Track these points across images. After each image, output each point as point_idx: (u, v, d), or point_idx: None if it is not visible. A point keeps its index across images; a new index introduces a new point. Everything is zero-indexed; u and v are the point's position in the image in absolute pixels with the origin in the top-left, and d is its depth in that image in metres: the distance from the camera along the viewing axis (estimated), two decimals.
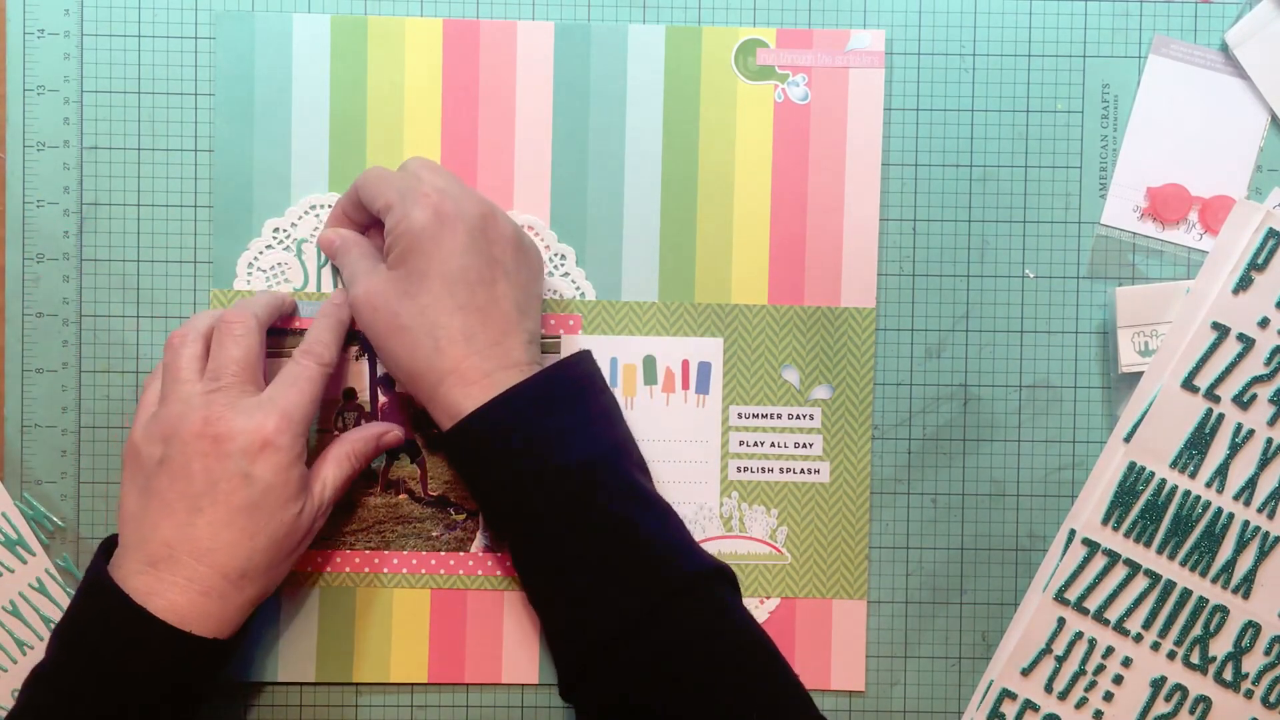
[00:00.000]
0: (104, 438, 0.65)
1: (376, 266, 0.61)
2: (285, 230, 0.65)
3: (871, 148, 0.65)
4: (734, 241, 0.65)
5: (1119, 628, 0.64)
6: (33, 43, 0.65)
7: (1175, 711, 0.64)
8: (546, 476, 0.57)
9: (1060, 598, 0.64)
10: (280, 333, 0.64)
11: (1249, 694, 0.64)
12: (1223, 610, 0.64)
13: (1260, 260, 0.63)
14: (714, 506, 0.66)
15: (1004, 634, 0.65)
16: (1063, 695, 0.64)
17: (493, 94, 0.65)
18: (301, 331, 0.64)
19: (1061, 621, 0.64)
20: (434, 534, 0.65)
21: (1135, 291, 0.65)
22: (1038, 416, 0.66)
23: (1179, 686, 0.64)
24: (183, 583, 0.56)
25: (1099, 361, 0.66)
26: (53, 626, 0.64)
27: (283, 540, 0.58)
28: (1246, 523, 0.63)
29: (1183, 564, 0.64)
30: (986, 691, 0.65)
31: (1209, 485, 0.64)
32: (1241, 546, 0.64)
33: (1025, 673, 0.64)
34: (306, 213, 0.65)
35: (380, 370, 0.65)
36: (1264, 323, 0.63)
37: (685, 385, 0.66)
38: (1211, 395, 0.64)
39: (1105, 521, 0.64)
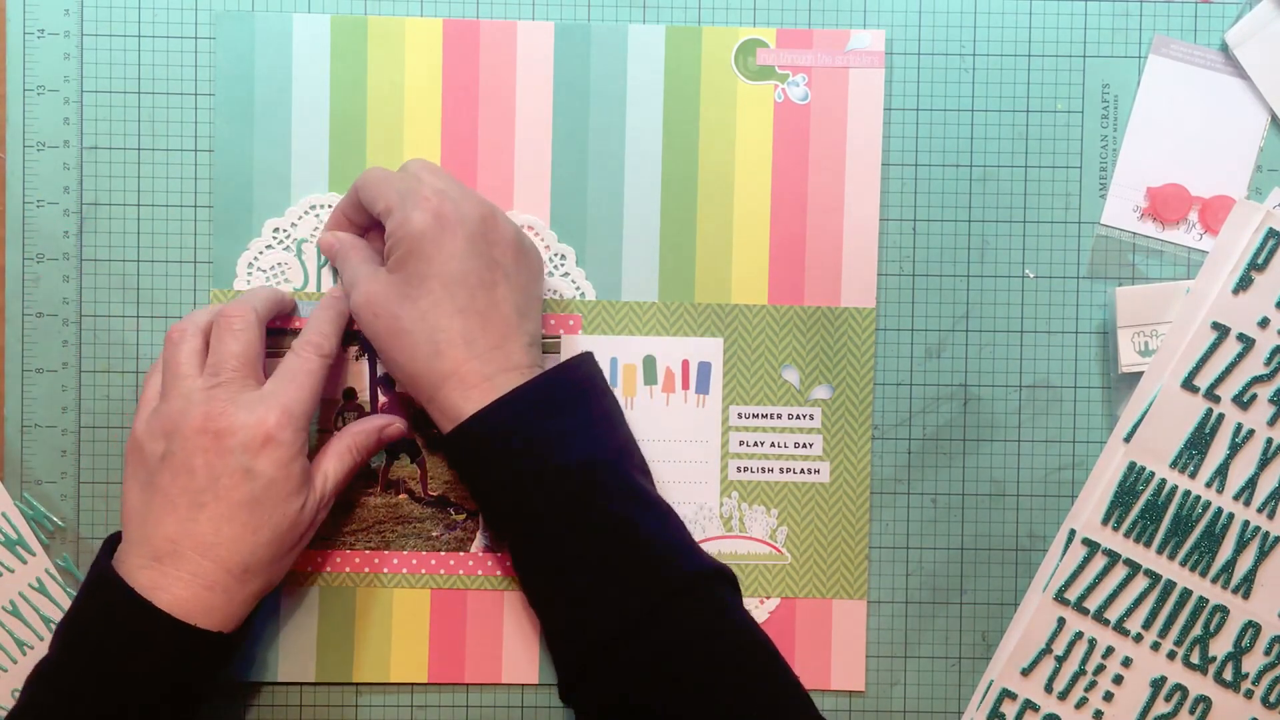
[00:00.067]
0: (104, 438, 0.65)
1: (376, 270, 0.61)
2: (285, 230, 0.65)
3: (871, 148, 0.65)
4: (734, 241, 0.65)
5: (1119, 628, 0.64)
6: (33, 43, 0.65)
7: (1175, 711, 0.64)
8: (546, 477, 0.57)
9: (1060, 598, 0.64)
10: (279, 332, 0.64)
11: (1249, 694, 0.63)
12: (1223, 610, 0.64)
13: (1260, 260, 0.63)
14: (714, 506, 0.66)
15: (1004, 634, 0.65)
16: (1063, 695, 0.64)
17: (493, 94, 0.65)
18: (300, 331, 0.64)
19: (1061, 621, 0.64)
20: (434, 534, 0.65)
21: (1135, 291, 0.65)
22: (1038, 416, 0.66)
23: (1179, 686, 0.64)
24: (187, 577, 0.56)
25: (1099, 361, 0.66)
26: (53, 626, 0.64)
27: (285, 534, 0.58)
28: (1246, 523, 0.63)
29: (1183, 564, 0.64)
30: (986, 691, 0.65)
31: (1209, 485, 0.64)
32: (1241, 546, 0.64)
33: (1025, 673, 0.64)
34: (306, 213, 0.65)
35: (380, 370, 0.65)
36: (1264, 323, 0.63)
37: (685, 385, 0.66)
38: (1211, 395, 0.64)
39: (1105, 521, 0.64)
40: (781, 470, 0.66)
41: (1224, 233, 0.64)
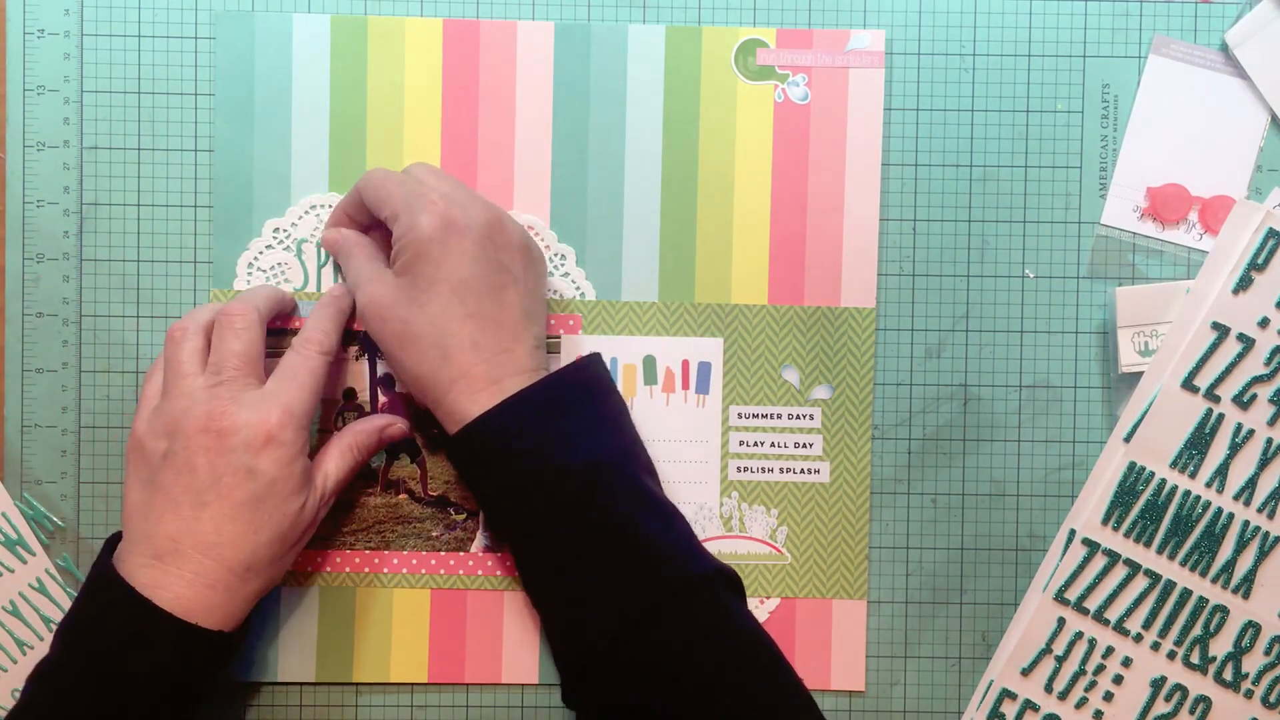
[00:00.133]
0: (104, 438, 0.65)
1: (382, 272, 0.61)
2: (285, 230, 0.65)
3: (871, 148, 0.65)
4: (734, 241, 0.65)
5: (1119, 628, 0.64)
6: (33, 43, 0.65)
7: (1175, 711, 0.64)
8: (551, 478, 0.57)
9: (1060, 598, 0.64)
10: (279, 332, 0.64)
11: (1249, 694, 0.63)
12: (1223, 610, 0.64)
13: (1260, 260, 0.63)
14: (714, 506, 0.66)
15: (1004, 634, 0.65)
16: (1063, 695, 0.64)
17: (493, 94, 0.65)
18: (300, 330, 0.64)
19: (1061, 621, 0.64)
20: (434, 534, 0.65)
21: (1135, 291, 0.65)
22: (1038, 416, 0.66)
23: (1179, 686, 0.64)
24: (189, 576, 0.56)
25: (1099, 361, 0.66)
26: (53, 626, 0.64)
27: (287, 533, 0.58)
28: (1246, 523, 0.63)
29: (1183, 564, 0.64)
30: (986, 691, 0.65)
31: (1209, 485, 0.64)
32: (1241, 546, 0.64)
33: (1025, 673, 0.64)
34: (306, 213, 0.65)
35: (380, 370, 0.65)
36: (1264, 323, 0.63)
37: (685, 385, 0.66)
38: (1211, 395, 0.64)
39: (1105, 521, 0.64)
40: (781, 470, 0.66)
41: (1224, 233, 0.64)
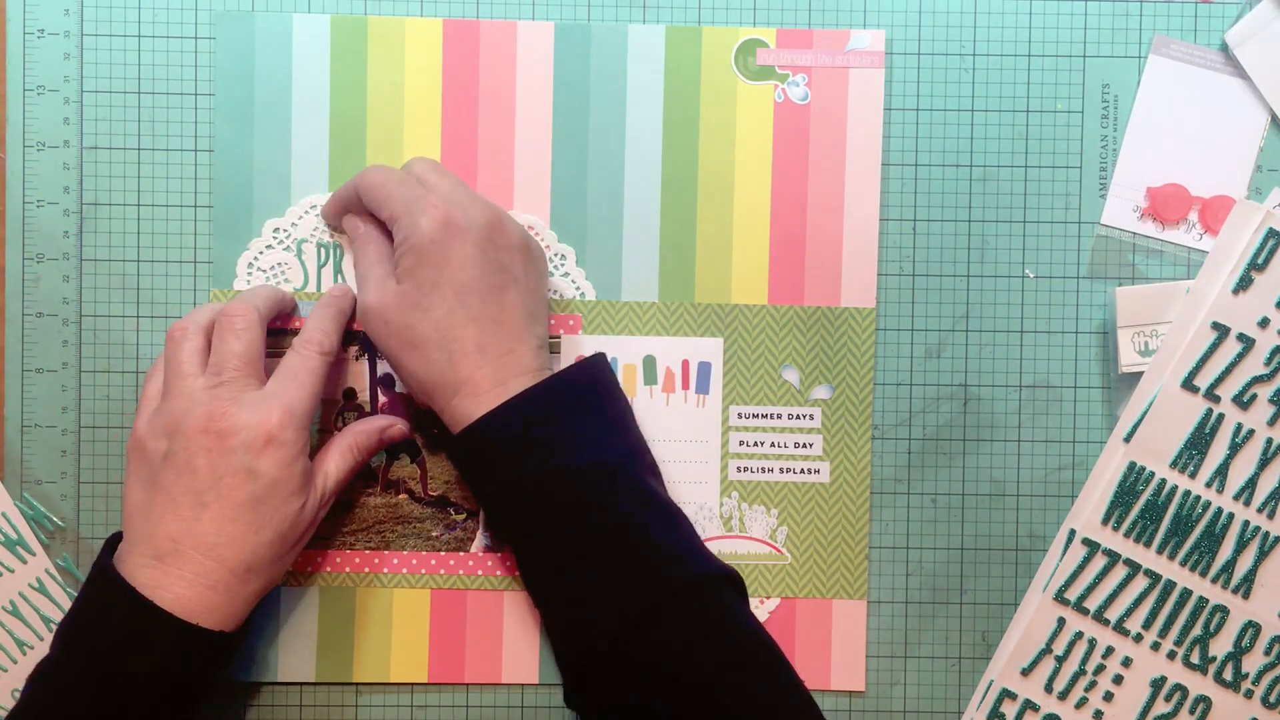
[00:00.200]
0: (104, 438, 0.65)
1: (387, 276, 0.60)
2: (285, 230, 0.65)
3: (871, 148, 0.65)
4: (734, 241, 0.65)
5: (1119, 628, 0.64)
6: (33, 43, 0.65)
7: (1175, 711, 0.64)
8: (553, 478, 0.57)
9: (1060, 598, 0.64)
10: (279, 332, 0.64)
11: (1249, 694, 0.64)
12: (1223, 610, 0.64)
13: (1260, 260, 0.63)
14: (714, 506, 0.66)
15: (1004, 634, 0.65)
16: (1063, 695, 0.64)
17: (493, 94, 0.65)
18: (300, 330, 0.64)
19: (1061, 621, 0.64)
20: (434, 534, 0.65)
21: (1135, 291, 0.65)
22: (1038, 416, 0.66)
23: (1179, 686, 0.64)
24: (189, 577, 0.56)
25: (1099, 361, 0.66)
26: (53, 626, 0.64)
27: (287, 533, 0.58)
28: (1246, 523, 0.63)
29: (1183, 564, 0.64)
30: (986, 691, 0.65)
31: (1209, 485, 0.64)
32: (1241, 546, 0.64)
33: (1025, 673, 0.64)
34: (306, 213, 0.65)
35: (380, 370, 0.65)
36: (1264, 323, 0.63)
37: (685, 385, 0.66)
38: (1211, 395, 0.64)
39: (1105, 521, 0.64)
40: (781, 470, 0.66)
41: (1224, 233, 0.64)
